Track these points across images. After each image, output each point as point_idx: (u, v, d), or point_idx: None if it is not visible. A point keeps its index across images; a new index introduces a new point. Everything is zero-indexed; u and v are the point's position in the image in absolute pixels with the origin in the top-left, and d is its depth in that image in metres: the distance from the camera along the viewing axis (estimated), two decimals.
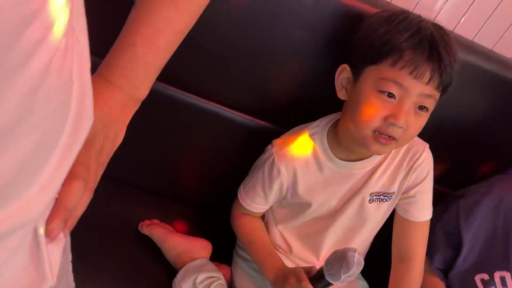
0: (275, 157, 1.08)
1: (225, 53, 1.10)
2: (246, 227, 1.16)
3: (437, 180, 1.17)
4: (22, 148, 0.38)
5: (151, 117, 1.14)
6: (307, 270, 0.99)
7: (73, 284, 0.63)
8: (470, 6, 1.21)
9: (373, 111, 0.95)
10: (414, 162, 1.10)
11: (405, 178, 1.11)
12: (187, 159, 1.25)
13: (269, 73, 1.14)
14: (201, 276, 1.10)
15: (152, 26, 0.61)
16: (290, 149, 1.08)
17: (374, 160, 1.09)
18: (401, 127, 0.95)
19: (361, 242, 1.18)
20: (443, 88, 0.97)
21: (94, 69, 0.51)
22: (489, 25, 1.23)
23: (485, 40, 1.24)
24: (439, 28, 0.98)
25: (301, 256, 1.18)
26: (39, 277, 0.48)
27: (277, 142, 1.11)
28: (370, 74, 0.97)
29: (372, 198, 1.11)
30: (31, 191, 0.42)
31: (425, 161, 1.11)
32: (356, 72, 1.00)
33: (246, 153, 1.20)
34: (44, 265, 0.48)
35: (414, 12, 1.02)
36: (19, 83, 0.35)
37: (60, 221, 0.50)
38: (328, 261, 0.93)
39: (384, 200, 1.12)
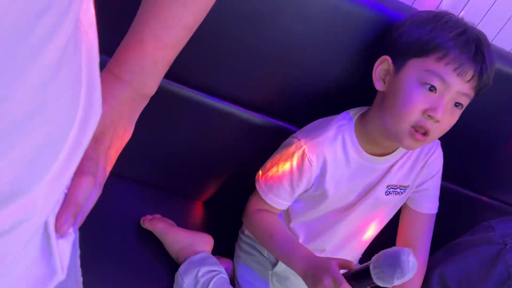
0: (306, 148, 1.06)
1: (229, 49, 1.10)
2: (265, 221, 1.12)
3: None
4: (33, 141, 0.39)
5: (152, 113, 1.14)
6: (342, 264, 0.95)
7: (80, 279, 0.63)
8: None
9: (413, 103, 0.97)
10: (429, 157, 1.14)
11: (420, 172, 1.14)
12: (190, 154, 1.25)
13: (273, 68, 1.14)
14: (203, 270, 1.10)
15: (161, 22, 0.61)
16: (320, 140, 1.07)
17: (398, 154, 1.11)
18: (438, 121, 0.97)
19: (371, 234, 1.20)
20: (479, 89, 1.01)
21: (102, 66, 0.52)
22: (488, 18, 1.24)
23: (485, 33, 1.24)
24: (481, 32, 1.02)
25: (308, 245, 1.18)
26: (49, 271, 0.49)
27: (302, 134, 1.10)
28: (415, 65, 0.99)
29: (389, 190, 1.12)
30: (41, 184, 0.42)
31: (438, 156, 1.15)
32: (399, 64, 1.01)
33: (248, 147, 1.21)
34: (54, 260, 0.49)
35: (414, 4, 1.03)
36: (30, 75, 0.35)
37: (70, 216, 0.50)
38: (378, 264, 0.89)
39: (399, 193, 1.13)
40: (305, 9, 1.07)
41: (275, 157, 1.12)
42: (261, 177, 1.12)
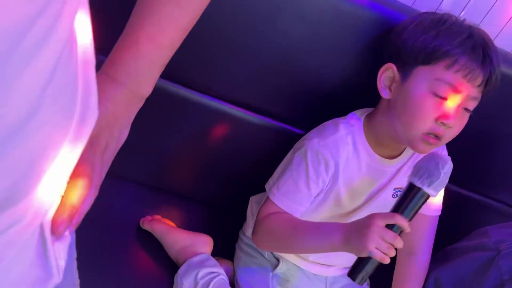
0: (319, 148, 1.04)
1: (229, 49, 1.10)
2: (282, 218, 1.05)
3: None
4: (30, 145, 0.39)
5: (152, 114, 1.14)
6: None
7: (77, 281, 0.63)
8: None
9: (425, 112, 0.97)
10: None
11: None
12: (189, 155, 1.25)
13: (273, 69, 1.13)
14: (203, 272, 1.09)
15: (155, 23, 0.61)
16: (332, 139, 1.05)
17: (405, 157, 1.10)
18: (451, 127, 0.98)
19: None
20: (487, 92, 1.02)
21: (98, 67, 0.51)
22: (489, 18, 1.24)
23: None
24: (486, 34, 1.02)
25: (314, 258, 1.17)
26: (46, 274, 0.49)
27: (313, 135, 1.08)
28: (422, 74, 0.98)
29: (396, 193, 1.11)
30: (38, 187, 0.42)
31: None
32: (405, 72, 1.00)
33: (247, 149, 1.21)
34: (50, 262, 0.49)
35: (414, 4, 1.03)
36: (26, 80, 0.35)
37: (66, 218, 0.50)
38: (418, 170, 0.89)
39: None
40: (305, 9, 1.07)
41: (286, 162, 1.09)
42: (274, 185, 1.07)
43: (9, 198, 0.39)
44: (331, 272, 1.20)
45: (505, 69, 1.17)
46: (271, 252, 1.18)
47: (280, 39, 1.09)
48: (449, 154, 1.20)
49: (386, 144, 1.08)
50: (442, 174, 0.87)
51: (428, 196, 0.90)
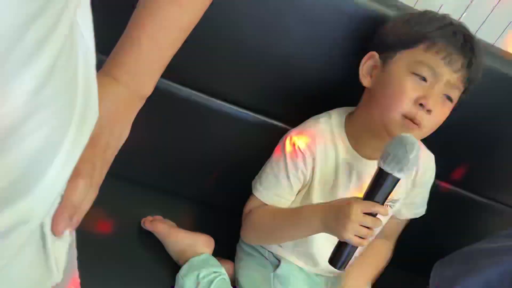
0: (296, 140, 1.05)
1: (228, 49, 1.10)
2: (262, 210, 1.09)
3: (437, 177, 1.18)
4: (29, 145, 0.39)
5: (154, 114, 1.14)
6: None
7: (78, 281, 0.63)
8: (472, 1, 1.22)
9: (404, 91, 0.96)
10: (419, 169, 1.12)
11: (411, 186, 1.14)
12: (191, 155, 1.25)
13: (273, 69, 1.14)
14: (204, 271, 1.10)
15: (157, 23, 0.61)
16: (309, 132, 1.06)
17: None
18: (429, 111, 0.96)
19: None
20: (468, 82, 1.01)
21: (99, 66, 0.52)
22: (490, 20, 1.24)
23: (487, 35, 1.24)
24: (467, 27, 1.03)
25: (295, 248, 1.16)
26: (46, 273, 0.49)
27: (293, 132, 1.09)
28: (404, 57, 0.99)
29: (388, 204, 1.09)
30: (38, 188, 0.42)
31: (430, 168, 1.15)
32: (387, 57, 1.01)
33: (248, 148, 1.20)
34: (50, 261, 0.49)
35: (416, 6, 1.03)
36: (25, 80, 0.35)
37: (66, 218, 0.50)
38: (388, 155, 0.88)
39: (391, 206, 1.12)
40: (307, 10, 1.07)
41: (270, 159, 1.11)
42: (257, 181, 1.10)
43: (8, 197, 0.40)
44: (331, 272, 1.20)
45: (506, 70, 1.18)
46: (272, 252, 1.18)
47: (281, 39, 1.09)
48: (454, 157, 1.20)
49: (365, 141, 1.06)
50: (410, 160, 0.87)
51: (399, 180, 0.90)
